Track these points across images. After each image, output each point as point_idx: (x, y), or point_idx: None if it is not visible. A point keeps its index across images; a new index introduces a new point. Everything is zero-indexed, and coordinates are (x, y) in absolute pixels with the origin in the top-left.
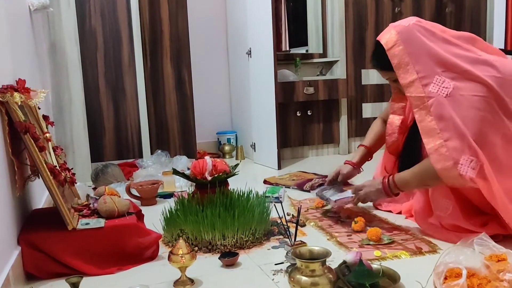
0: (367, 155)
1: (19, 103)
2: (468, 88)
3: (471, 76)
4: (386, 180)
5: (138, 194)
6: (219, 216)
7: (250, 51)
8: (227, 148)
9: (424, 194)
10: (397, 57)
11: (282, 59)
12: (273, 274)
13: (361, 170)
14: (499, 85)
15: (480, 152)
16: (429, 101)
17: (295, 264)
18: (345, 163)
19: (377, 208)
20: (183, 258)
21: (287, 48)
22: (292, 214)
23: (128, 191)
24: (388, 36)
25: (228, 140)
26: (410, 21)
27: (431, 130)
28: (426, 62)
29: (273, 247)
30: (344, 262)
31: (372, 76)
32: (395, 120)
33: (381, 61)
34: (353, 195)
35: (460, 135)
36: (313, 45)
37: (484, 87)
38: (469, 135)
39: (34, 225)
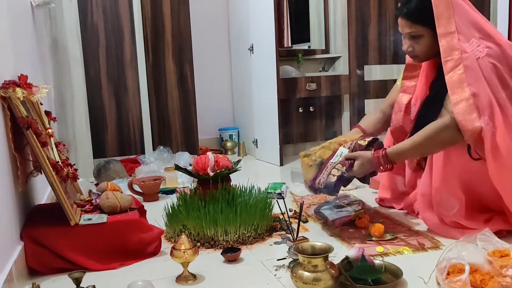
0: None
1: (21, 99)
2: (502, 61)
3: (505, 53)
4: (380, 154)
5: (140, 190)
6: (221, 212)
7: (252, 47)
8: (229, 144)
9: (428, 189)
10: (442, 6)
11: (284, 55)
12: (276, 270)
13: None
14: None
15: (500, 119)
16: (464, 54)
17: (297, 259)
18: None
19: (380, 205)
20: (185, 253)
21: (289, 44)
22: (294, 210)
23: (130, 187)
24: None
25: (230, 136)
26: None
27: (460, 81)
28: (466, 22)
29: (275, 243)
30: (347, 257)
31: (374, 72)
32: (404, 98)
33: (417, 10)
34: (352, 213)
35: (487, 95)
36: (316, 41)
37: None
38: (494, 100)
39: (37, 221)
